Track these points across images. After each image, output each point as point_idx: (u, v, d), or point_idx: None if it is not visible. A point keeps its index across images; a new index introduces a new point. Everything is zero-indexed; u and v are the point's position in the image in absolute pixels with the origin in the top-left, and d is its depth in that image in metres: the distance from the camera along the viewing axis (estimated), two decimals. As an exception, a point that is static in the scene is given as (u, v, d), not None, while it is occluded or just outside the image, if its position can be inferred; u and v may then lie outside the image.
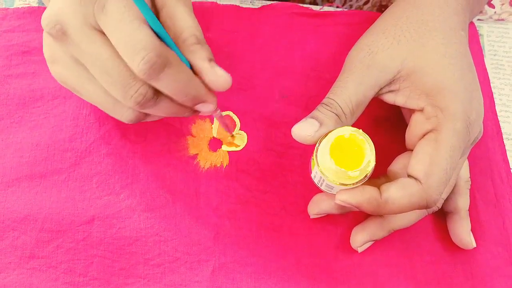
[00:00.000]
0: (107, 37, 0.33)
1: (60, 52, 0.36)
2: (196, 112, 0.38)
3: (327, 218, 0.43)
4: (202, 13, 0.50)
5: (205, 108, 0.37)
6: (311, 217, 0.43)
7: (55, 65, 0.37)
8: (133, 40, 0.31)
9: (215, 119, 0.46)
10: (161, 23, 0.35)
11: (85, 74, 0.36)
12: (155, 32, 0.32)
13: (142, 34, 0.31)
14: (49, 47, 0.37)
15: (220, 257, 0.41)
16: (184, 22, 0.35)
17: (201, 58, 0.35)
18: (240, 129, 0.46)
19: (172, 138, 0.45)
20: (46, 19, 0.34)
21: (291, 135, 0.38)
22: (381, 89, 0.40)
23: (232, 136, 0.46)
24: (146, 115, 0.38)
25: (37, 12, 0.49)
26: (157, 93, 0.34)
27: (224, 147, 0.45)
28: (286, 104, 0.47)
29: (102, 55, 0.33)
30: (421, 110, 0.39)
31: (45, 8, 0.49)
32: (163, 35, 0.33)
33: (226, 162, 0.45)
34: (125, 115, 0.37)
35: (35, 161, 0.43)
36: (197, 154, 0.45)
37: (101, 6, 0.32)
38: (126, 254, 0.41)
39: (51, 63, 0.38)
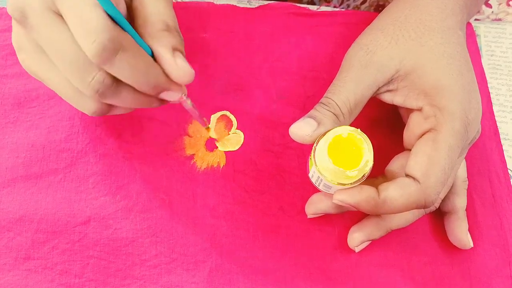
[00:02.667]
0: (65, 21, 0.32)
1: (24, 38, 0.35)
2: (163, 101, 0.36)
3: (325, 219, 0.43)
4: (199, 13, 0.50)
5: (170, 96, 0.35)
6: (309, 217, 0.42)
7: (21, 53, 0.36)
8: (86, 22, 0.30)
9: (211, 118, 0.45)
10: (133, 9, 0.34)
11: (47, 62, 0.35)
12: (111, 17, 0.31)
13: (96, 16, 0.30)
14: (16, 35, 0.36)
15: (217, 258, 0.41)
16: (154, 8, 0.34)
17: (163, 45, 0.33)
18: (237, 129, 0.46)
19: (168, 139, 0.45)
20: (10, 4, 0.33)
21: (289, 136, 0.38)
22: (379, 88, 0.40)
23: (208, 128, 0.44)
24: (110, 106, 0.36)
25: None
26: (116, 81, 0.33)
27: (220, 147, 0.45)
28: (284, 105, 0.47)
29: (59, 39, 0.32)
30: (419, 110, 0.39)
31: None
32: (119, 18, 0.31)
33: (223, 162, 0.45)
34: (87, 106, 0.36)
35: (31, 162, 0.43)
36: (193, 154, 0.45)
37: None
38: (123, 255, 0.41)
39: (17, 50, 0.37)
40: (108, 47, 0.30)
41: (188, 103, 0.38)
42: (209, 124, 0.45)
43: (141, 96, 0.35)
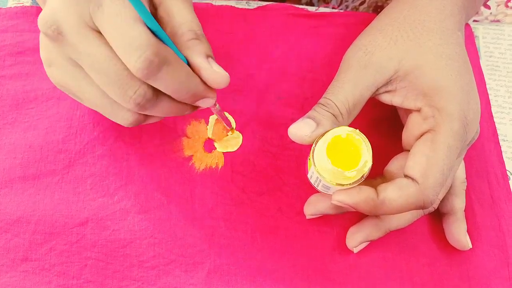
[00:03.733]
0: (103, 37, 0.32)
1: (56, 54, 0.35)
2: (196, 108, 0.37)
3: (323, 220, 0.43)
4: (197, 14, 0.50)
5: (206, 103, 0.36)
6: (307, 217, 0.42)
7: (52, 68, 0.36)
8: (129, 39, 0.30)
9: (210, 119, 0.45)
10: (158, 18, 0.35)
11: (83, 76, 0.35)
12: (151, 30, 0.32)
13: (138, 32, 0.30)
14: (46, 49, 0.36)
15: (215, 259, 0.41)
16: (181, 17, 0.34)
17: (198, 54, 0.34)
18: (235, 130, 0.46)
19: (167, 139, 0.45)
20: (42, 19, 0.33)
21: (287, 137, 0.38)
22: (378, 89, 0.40)
23: (232, 129, 0.45)
24: (146, 117, 0.37)
25: (30, 12, 0.48)
26: (156, 92, 0.34)
27: (219, 148, 0.45)
28: (282, 106, 0.47)
29: (98, 55, 0.32)
30: (418, 111, 0.39)
31: (39, 7, 0.48)
32: (159, 32, 0.32)
33: (221, 163, 0.44)
34: (124, 117, 0.36)
35: (29, 163, 0.43)
36: (192, 155, 0.44)
37: (97, 5, 0.32)
38: (121, 256, 0.41)
39: (48, 66, 0.37)
40: (154, 63, 0.31)
41: (217, 107, 0.39)
42: (234, 125, 0.46)
43: (178, 105, 0.36)
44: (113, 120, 0.37)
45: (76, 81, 0.36)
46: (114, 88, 0.33)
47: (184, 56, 0.34)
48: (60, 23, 0.33)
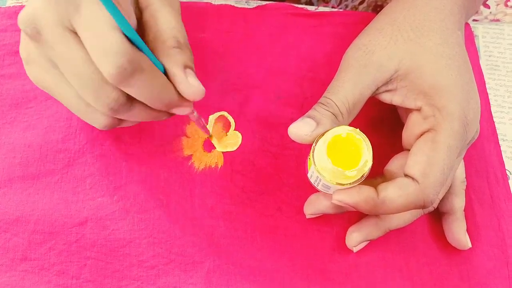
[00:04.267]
0: (81, 39, 0.32)
1: (35, 52, 0.35)
2: (172, 114, 0.37)
3: (323, 219, 0.43)
4: (196, 14, 0.50)
5: (181, 111, 0.36)
6: (307, 217, 0.42)
7: (30, 66, 0.36)
8: (104, 44, 0.30)
9: (209, 119, 0.45)
10: (143, 22, 0.34)
11: (59, 76, 0.35)
12: (128, 38, 0.31)
13: (114, 39, 0.30)
14: (25, 48, 0.36)
15: (214, 258, 0.41)
16: (165, 24, 0.34)
17: (176, 64, 0.34)
18: (235, 130, 0.46)
19: (166, 139, 0.45)
20: (22, 17, 0.33)
21: (287, 136, 0.37)
22: (378, 88, 0.40)
23: (210, 137, 0.45)
24: (120, 121, 0.37)
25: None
26: (130, 98, 0.33)
27: (218, 148, 0.45)
28: (282, 105, 0.47)
29: (74, 57, 0.32)
30: (418, 110, 0.39)
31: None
32: (136, 40, 0.32)
33: (221, 163, 0.44)
34: (98, 120, 0.36)
35: (28, 162, 0.42)
36: (191, 155, 0.44)
37: (76, 8, 0.31)
38: (120, 256, 0.41)
39: (26, 63, 0.37)
40: (126, 69, 0.30)
41: (194, 115, 0.39)
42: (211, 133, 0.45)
43: (152, 112, 0.35)
44: (88, 122, 0.37)
45: (52, 81, 0.36)
46: (88, 91, 0.33)
47: (162, 64, 0.34)
48: (39, 22, 0.32)
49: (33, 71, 0.36)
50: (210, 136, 0.45)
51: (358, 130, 0.36)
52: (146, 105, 0.34)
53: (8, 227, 0.40)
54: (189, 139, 0.45)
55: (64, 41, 0.32)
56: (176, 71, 0.34)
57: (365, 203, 0.36)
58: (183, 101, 0.35)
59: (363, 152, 0.36)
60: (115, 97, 0.33)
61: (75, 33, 0.32)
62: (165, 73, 0.34)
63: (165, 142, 0.44)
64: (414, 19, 0.40)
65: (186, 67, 0.34)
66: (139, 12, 0.35)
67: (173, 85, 0.34)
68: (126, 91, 0.33)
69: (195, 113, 0.39)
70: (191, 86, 0.34)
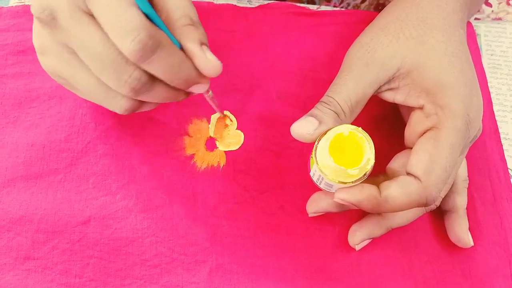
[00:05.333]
0: (97, 21, 0.32)
1: (50, 40, 0.35)
2: (189, 94, 0.37)
3: (325, 218, 0.43)
4: (198, 13, 0.50)
5: (199, 89, 0.36)
6: (310, 215, 0.42)
7: (45, 55, 0.36)
8: (123, 22, 0.30)
9: (212, 118, 0.45)
10: (154, 3, 0.34)
11: (77, 63, 0.34)
12: (145, 14, 0.31)
13: (132, 15, 0.30)
14: (39, 36, 0.36)
15: (217, 257, 0.41)
16: (177, 3, 0.34)
17: (192, 40, 0.34)
18: (237, 129, 0.46)
19: (169, 138, 0.45)
20: (36, 4, 0.33)
21: (289, 135, 0.38)
22: (380, 87, 0.40)
23: (225, 116, 0.45)
24: (140, 104, 0.37)
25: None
26: (151, 77, 0.33)
27: (220, 147, 0.45)
28: (283, 104, 0.47)
29: (92, 39, 0.32)
30: (421, 108, 0.39)
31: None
32: (153, 16, 0.32)
33: (223, 162, 0.44)
34: (119, 104, 0.36)
35: (31, 162, 0.43)
36: (194, 154, 0.44)
37: None
38: (123, 255, 0.41)
39: (41, 53, 0.36)
40: (147, 45, 0.30)
41: (210, 94, 0.39)
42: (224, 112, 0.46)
43: (172, 91, 0.35)
44: (108, 108, 0.37)
45: (70, 69, 0.35)
46: (109, 73, 0.33)
47: (178, 42, 0.34)
48: (54, 7, 0.32)
49: (48, 60, 0.36)
50: (224, 115, 0.45)
51: (360, 128, 0.36)
52: (166, 84, 0.34)
53: (11, 226, 0.40)
54: (192, 138, 0.45)
55: (81, 24, 0.32)
56: (193, 48, 0.34)
57: (368, 202, 0.36)
58: (201, 78, 0.35)
59: (365, 151, 0.36)
60: (137, 76, 0.32)
61: (91, 15, 0.32)
62: (182, 51, 0.34)
63: (167, 141, 0.45)
64: (417, 17, 0.40)
65: (202, 43, 0.34)
66: None
67: (192, 62, 0.34)
68: (147, 69, 0.32)
69: (210, 92, 0.39)
70: (210, 61, 0.34)
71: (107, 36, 0.31)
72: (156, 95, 0.35)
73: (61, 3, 0.32)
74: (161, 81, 0.34)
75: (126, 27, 0.30)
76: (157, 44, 0.31)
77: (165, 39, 0.32)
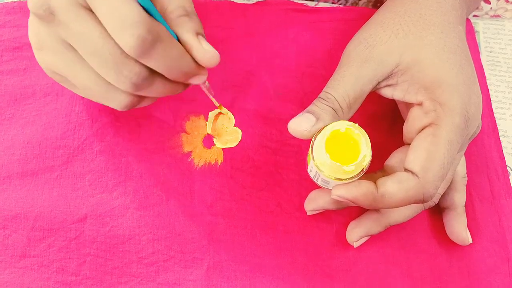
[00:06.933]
0: (96, 15, 0.31)
1: (48, 36, 0.34)
2: (187, 86, 0.37)
3: (323, 216, 0.43)
4: (196, 10, 0.49)
5: (197, 80, 0.36)
6: (308, 213, 0.42)
7: (43, 52, 0.36)
8: (121, 16, 0.30)
9: (209, 115, 0.45)
10: None
11: (75, 58, 0.34)
12: (143, 7, 0.31)
13: (130, 9, 0.30)
14: (36, 32, 0.35)
15: (214, 255, 0.41)
16: None
17: (187, 31, 0.33)
18: (234, 126, 0.45)
19: (166, 135, 0.45)
20: (33, 0, 0.32)
21: (287, 132, 0.37)
22: (378, 83, 0.39)
23: (220, 106, 0.45)
24: (140, 99, 0.36)
25: (28, 7, 0.48)
26: (151, 72, 0.33)
27: (218, 144, 0.45)
28: (281, 101, 0.47)
29: (91, 34, 0.31)
30: (420, 104, 0.39)
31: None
32: (150, 9, 0.31)
33: (220, 159, 0.44)
34: (118, 100, 0.35)
35: (27, 159, 0.42)
36: (191, 151, 0.44)
37: None
38: (119, 253, 0.40)
39: (38, 49, 0.36)
40: (147, 39, 0.30)
41: (206, 85, 0.39)
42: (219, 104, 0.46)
43: (171, 84, 0.35)
44: (107, 105, 0.37)
45: (68, 65, 0.35)
46: (109, 69, 0.32)
47: (175, 33, 0.34)
48: (52, 2, 0.32)
49: (46, 57, 0.36)
50: (219, 106, 0.45)
51: (357, 125, 0.36)
52: (165, 78, 0.34)
53: (7, 224, 0.40)
54: (189, 136, 0.45)
55: (79, 19, 0.32)
56: (189, 39, 0.34)
57: (364, 198, 0.36)
58: (200, 69, 0.35)
59: (361, 147, 0.36)
60: (138, 71, 0.32)
61: (89, 10, 0.32)
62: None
63: (164, 138, 0.44)
64: (415, 13, 0.40)
65: (198, 34, 0.34)
66: None
67: (189, 53, 0.34)
68: (146, 63, 0.32)
69: (207, 83, 0.39)
70: (207, 51, 0.34)
71: (106, 31, 0.31)
72: (156, 89, 0.35)
73: None
74: (160, 74, 0.34)
75: (124, 22, 0.30)
76: (156, 38, 0.31)
77: (164, 33, 0.32)
